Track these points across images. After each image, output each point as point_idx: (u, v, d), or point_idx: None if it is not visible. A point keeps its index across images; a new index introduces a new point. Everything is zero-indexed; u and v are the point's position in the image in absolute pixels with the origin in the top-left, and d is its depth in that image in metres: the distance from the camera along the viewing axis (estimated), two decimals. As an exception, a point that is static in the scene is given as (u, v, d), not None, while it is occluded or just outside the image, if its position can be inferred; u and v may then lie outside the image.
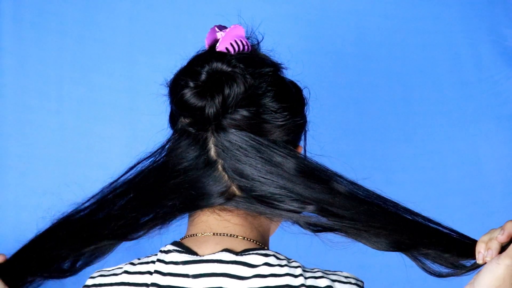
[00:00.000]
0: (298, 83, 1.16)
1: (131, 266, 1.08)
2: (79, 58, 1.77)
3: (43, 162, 1.77)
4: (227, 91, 1.05)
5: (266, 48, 1.15)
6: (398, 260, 1.16)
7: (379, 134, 1.87)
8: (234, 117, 1.06)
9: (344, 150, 1.83)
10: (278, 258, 1.06)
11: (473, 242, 1.11)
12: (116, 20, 1.79)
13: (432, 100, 1.90)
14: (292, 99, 1.11)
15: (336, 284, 1.05)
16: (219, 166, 1.08)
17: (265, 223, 1.13)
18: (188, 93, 1.06)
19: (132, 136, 1.79)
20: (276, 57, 1.15)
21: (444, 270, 1.12)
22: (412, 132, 1.88)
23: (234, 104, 1.06)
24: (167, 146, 1.12)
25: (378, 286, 1.76)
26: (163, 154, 1.12)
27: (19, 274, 1.21)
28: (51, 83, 1.76)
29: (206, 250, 1.07)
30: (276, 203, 1.07)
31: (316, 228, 1.10)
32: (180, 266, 1.05)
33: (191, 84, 1.06)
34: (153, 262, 1.07)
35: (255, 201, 1.07)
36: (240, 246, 1.07)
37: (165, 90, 1.14)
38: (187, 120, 1.09)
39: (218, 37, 1.11)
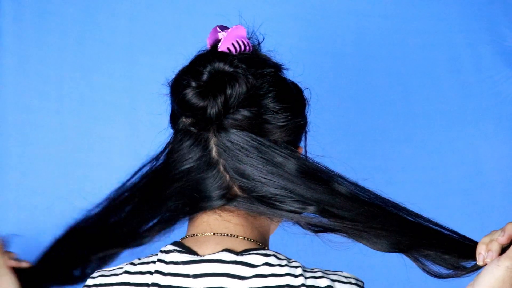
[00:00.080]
0: (299, 84, 1.16)
1: (132, 266, 1.08)
2: (79, 58, 1.77)
3: (43, 162, 1.77)
4: (229, 91, 1.05)
5: (267, 48, 1.15)
6: (398, 261, 1.16)
7: (379, 134, 1.87)
8: (235, 117, 1.06)
9: (344, 150, 1.83)
10: (278, 258, 1.06)
11: (474, 244, 1.11)
12: (116, 20, 1.79)
13: (432, 100, 1.90)
14: (293, 100, 1.12)
15: (336, 284, 1.05)
16: (221, 166, 1.08)
17: (265, 223, 1.13)
18: (190, 93, 1.06)
19: (132, 136, 1.79)
20: (277, 57, 1.15)
21: (444, 271, 1.13)
22: (412, 132, 1.88)
23: (236, 104, 1.06)
24: (169, 148, 1.12)
25: (378, 287, 1.76)
26: (165, 156, 1.12)
27: (38, 281, 1.23)
28: (51, 83, 1.76)
29: (207, 250, 1.07)
30: (277, 203, 1.07)
31: (317, 229, 1.10)
32: (181, 266, 1.05)
33: (193, 84, 1.06)
34: (153, 262, 1.07)
35: (256, 201, 1.07)
36: (240, 246, 1.07)
37: (166, 90, 1.14)
38: (188, 120, 1.09)
39: (220, 37, 1.11)
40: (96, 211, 1.18)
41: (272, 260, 1.05)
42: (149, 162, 1.14)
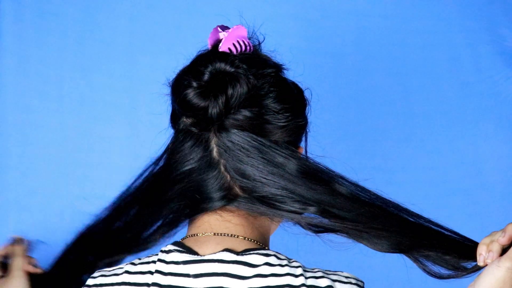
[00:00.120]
0: (299, 84, 1.16)
1: (132, 266, 1.08)
2: (79, 58, 1.77)
3: (43, 162, 1.77)
4: (230, 91, 1.05)
5: (267, 48, 1.15)
6: (399, 261, 1.16)
7: (379, 134, 1.87)
8: (236, 118, 1.06)
9: (344, 150, 1.83)
10: (278, 258, 1.06)
11: (474, 244, 1.11)
12: (116, 20, 1.79)
13: (431, 100, 1.90)
14: (294, 100, 1.12)
15: (337, 284, 1.05)
16: (221, 167, 1.08)
17: (266, 223, 1.13)
18: (191, 93, 1.06)
19: (132, 136, 1.79)
20: (277, 57, 1.15)
21: (444, 271, 1.12)
22: (412, 132, 1.88)
23: (237, 104, 1.06)
24: (169, 149, 1.12)
25: (379, 287, 1.77)
26: (166, 158, 1.12)
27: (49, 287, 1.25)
28: (51, 83, 1.76)
29: (207, 250, 1.07)
30: (277, 204, 1.07)
31: (317, 229, 1.10)
32: (181, 265, 1.05)
33: (194, 84, 1.06)
34: (154, 262, 1.07)
35: (257, 201, 1.08)
36: (240, 246, 1.07)
37: (166, 90, 1.14)
38: (189, 120, 1.09)
39: (221, 37, 1.11)
40: (102, 217, 1.19)
41: (272, 260, 1.05)
42: (151, 165, 1.14)
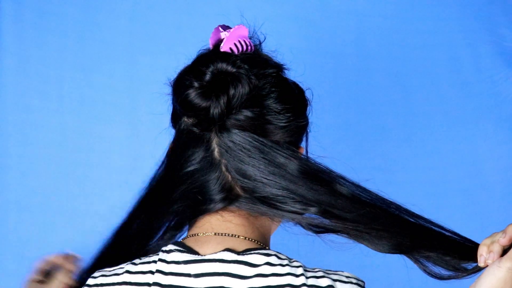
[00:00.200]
0: (300, 84, 1.16)
1: (133, 265, 1.08)
2: (79, 58, 1.78)
3: (44, 162, 1.77)
4: (232, 91, 1.05)
5: (268, 48, 1.15)
6: (399, 261, 1.16)
7: (379, 134, 1.88)
8: (237, 118, 1.06)
9: (344, 150, 1.83)
10: (279, 258, 1.06)
11: (475, 245, 1.11)
12: (116, 20, 1.79)
13: (431, 100, 1.90)
14: (295, 100, 1.11)
15: (337, 283, 1.05)
16: (223, 167, 1.08)
17: (267, 223, 1.13)
18: (192, 93, 1.06)
19: (132, 136, 1.79)
20: (277, 57, 1.15)
21: (445, 272, 1.12)
22: (412, 132, 1.89)
23: (239, 104, 1.06)
24: (172, 149, 1.12)
25: (379, 287, 1.77)
26: (168, 159, 1.12)
27: None
28: (51, 83, 1.76)
29: (208, 249, 1.07)
30: (278, 204, 1.07)
31: (318, 229, 1.10)
32: (182, 265, 1.05)
33: (196, 84, 1.06)
34: (154, 261, 1.07)
35: (258, 202, 1.08)
36: (241, 246, 1.07)
37: (167, 90, 1.14)
38: (190, 120, 1.09)
39: (222, 37, 1.11)
40: (122, 222, 1.19)
41: (273, 259, 1.05)
42: (156, 170, 1.14)
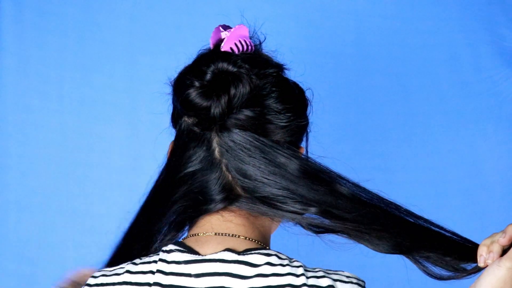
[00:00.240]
0: (300, 84, 1.16)
1: (133, 265, 1.08)
2: (79, 58, 1.78)
3: (43, 162, 1.77)
4: (233, 91, 1.05)
5: (268, 48, 1.15)
6: (399, 261, 1.16)
7: (379, 134, 1.88)
8: (238, 117, 1.06)
9: (344, 150, 1.83)
10: (280, 258, 1.06)
11: (475, 246, 1.11)
12: (116, 21, 1.79)
13: (431, 100, 1.90)
14: (295, 100, 1.11)
15: (338, 283, 1.05)
16: (223, 166, 1.08)
17: (267, 223, 1.13)
18: (193, 93, 1.06)
19: (132, 136, 1.80)
20: (278, 57, 1.15)
21: (445, 273, 1.12)
22: (412, 132, 1.89)
23: (239, 104, 1.06)
24: (173, 149, 1.12)
25: (379, 287, 1.77)
26: (169, 159, 1.12)
27: None
28: (51, 83, 1.76)
29: (208, 249, 1.07)
30: (278, 204, 1.07)
31: (318, 230, 1.10)
32: (182, 265, 1.05)
33: (197, 83, 1.06)
34: (155, 261, 1.07)
35: (258, 202, 1.07)
36: (241, 245, 1.07)
37: (167, 90, 1.14)
38: (190, 120, 1.09)
39: (223, 37, 1.11)
40: (131, 223, 1.18)
41: (273, 259, 1.05)
42: (160, 171, 1.14)
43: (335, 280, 1.05)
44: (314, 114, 1.18)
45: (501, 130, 1.90)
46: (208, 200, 1.08)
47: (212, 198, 1.08)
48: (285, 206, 1.07)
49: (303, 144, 1.15)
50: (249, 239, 1.09)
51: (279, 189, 1.07)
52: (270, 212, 1.08)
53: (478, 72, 1.92)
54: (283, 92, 1.09)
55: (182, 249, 1.07)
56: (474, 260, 1.10)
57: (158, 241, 1.12)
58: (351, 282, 1.06)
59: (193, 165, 1.08)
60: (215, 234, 1.09)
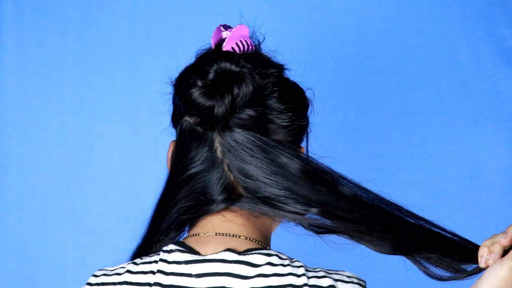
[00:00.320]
0: (300, 84, 1.16)
1: (134, 265, 1.08)
2: (80, 58, 1.78)
3: (43, 162, 1.77)
4: (236, 90, 1.05)
5: (268, 48, 1.15)
6: (400, 262, 1.16)
7: (379, 134, 1.88)
8: (241, 117, 1.06)
9: (344, 150, 1.83)
10: (280, 258, 1.06)
11: (475, 247, 1.11)
12: (117, 21, 1.79)
13: (431, 100, 1.90)
14: (296, 100, 1.11)
15: (339, 283, 1.05)
16: (225, 166, 1.08)
17: (267, 223, 1.13)
18: (196, 92, 1.06)
19: (132, 136, 1.80)
20: (278, 57, 1.15)
21: (445, 274, 1.12)
22: (411, 132, 1.89)
23: (242, 104, 1.06)
24: (175, 150, 1.12)
25: (380, 287, 1.77)
26: (172, 161, 1.12)
27: None
28: (52, 83, 1.76)
29: (209, 250, 1.07)
30: (280, 204, 1.07)
31: (319, 230, 1.10)
32: (183, 265, 1.05)
33: (200, 83, 1.06)
34: (155, 261, 1.07)
35: (260, 202, 1.07)
36: (242, 246, 1.07)
37: (167, 90, 1.14)
38: (193, 119, 1.09)
39: (224, 37, 1.11)
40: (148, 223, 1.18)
41: (274, 259, 1.05)
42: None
43: (336, 280, 1.05)
44: (314, 114, 1.18)
45: (501, 130, 1.90)
46: (209, 200, 1.08)
47: (214, 198, 1.07)
48: (286, 207, 1.07)
49: (303, 144, 1.15)
50: (250, 239, 1.09)
51: (280, 189, 1.07)
52: (272, 212, 1.08)
53: (478, 72, 1.92)
54: (285, 92, 1.09)
55: (182, 249, 1.07)
56: (475, 261, 1.10)
57: (161, 240, 1.12)
58: (352, 282, 1.06)
59: (196, 166, 1.08)
60: (216, 234, 1.09)
